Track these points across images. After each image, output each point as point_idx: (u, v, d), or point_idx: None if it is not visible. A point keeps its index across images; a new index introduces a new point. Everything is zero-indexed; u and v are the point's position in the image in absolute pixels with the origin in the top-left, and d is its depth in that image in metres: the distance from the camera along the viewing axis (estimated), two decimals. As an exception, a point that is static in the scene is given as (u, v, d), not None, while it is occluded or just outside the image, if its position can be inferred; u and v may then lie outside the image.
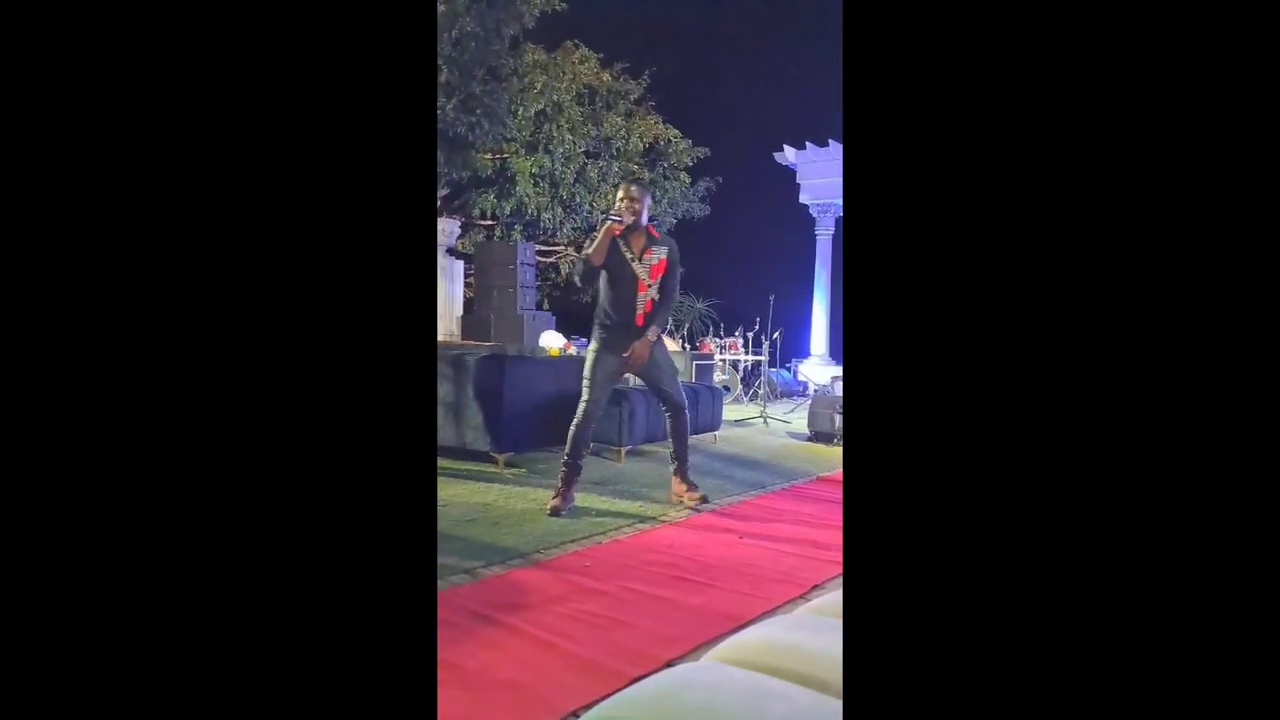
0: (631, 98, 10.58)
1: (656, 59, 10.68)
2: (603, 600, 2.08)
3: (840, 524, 3.04)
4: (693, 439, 5.32)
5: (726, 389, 9.10)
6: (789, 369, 11.52)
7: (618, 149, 10.46)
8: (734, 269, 13.86)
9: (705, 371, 6.78)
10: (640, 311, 3.24)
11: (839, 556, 2.60)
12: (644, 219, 3.24)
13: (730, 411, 7.65)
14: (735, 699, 0.79)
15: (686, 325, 11.27)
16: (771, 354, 8.85)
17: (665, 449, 4.99)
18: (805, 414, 6.09)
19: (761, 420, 6.86)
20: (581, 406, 3.26)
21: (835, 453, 5.16)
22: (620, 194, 3.23)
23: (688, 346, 9.86)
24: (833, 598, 1.02)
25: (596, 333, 3.30)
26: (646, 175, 10.65)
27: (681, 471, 3.41)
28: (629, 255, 3.21)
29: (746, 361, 9.46)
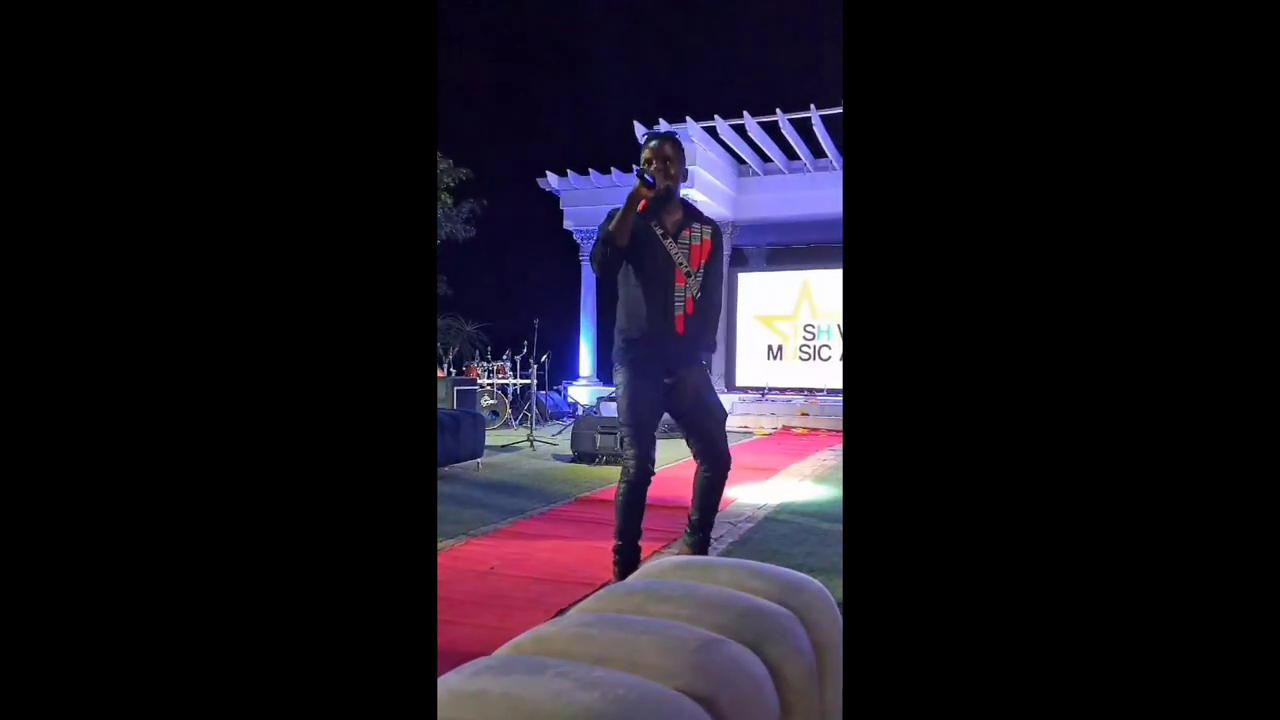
0: (388, 114, 10.13)
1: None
2: (331, 656, 1.90)
3: (589, 543, 3.11)
4: (454, 467, 5.17)
5: (495, 414, 8.97)
6: (560, 391, 11.66)
7: (373, 166, 9.94)
8: (502, 293, 13.82)
9: (467, 397, 6.58)
10: (680, 312, 2.33)
11: (588, 577, 2.64)
12: (680, 187, 2.37)
13: (498, 436, 7.54)
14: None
15: (454, 349, 10.95)
16: (541, 377, 8.88)
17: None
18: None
19: (528, 444, 6.85)
20: (628, 464, 2.33)
21: (597, 472, 5.28)
22: (646, 154, 2.30)
23: (453, 371, 9.57)
24: (535, 633, 1.01)
25: (623, 355, 2.36)
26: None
27: (702, 546, 2.47)
28: (659, 232, 2.32)
29: (515, 385, 9.40)
